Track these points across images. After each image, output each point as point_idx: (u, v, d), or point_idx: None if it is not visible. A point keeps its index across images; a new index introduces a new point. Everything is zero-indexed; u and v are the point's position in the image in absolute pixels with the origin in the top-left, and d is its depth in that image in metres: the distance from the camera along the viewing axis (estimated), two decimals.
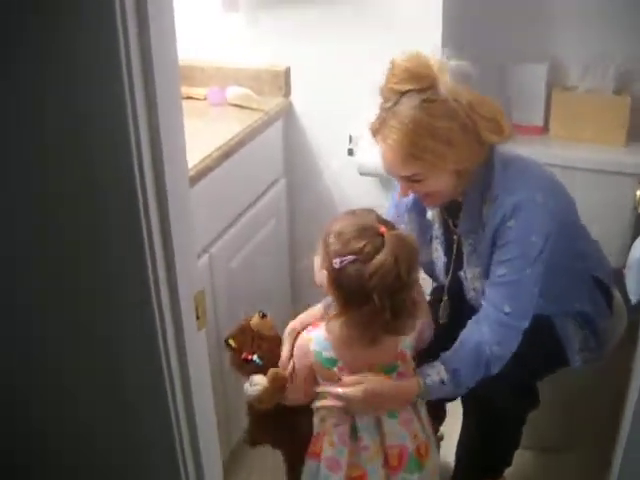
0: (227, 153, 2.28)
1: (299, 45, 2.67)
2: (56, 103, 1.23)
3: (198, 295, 1.44)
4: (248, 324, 2.07)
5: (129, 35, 1.17)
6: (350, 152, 2.73)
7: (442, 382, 1.94)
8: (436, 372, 1.94)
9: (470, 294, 2.17)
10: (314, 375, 1.97)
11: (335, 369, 1.92)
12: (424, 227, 2.21)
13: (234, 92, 2.65)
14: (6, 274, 1.42)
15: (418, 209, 2.19)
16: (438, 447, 2.53)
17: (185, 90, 2.54)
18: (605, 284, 2.24)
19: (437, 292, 2.33)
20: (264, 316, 2.08)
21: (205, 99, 2.69)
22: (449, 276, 2.21)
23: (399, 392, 1.96)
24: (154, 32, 1.20)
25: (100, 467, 1.62)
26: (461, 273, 2.16)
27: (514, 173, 1.99)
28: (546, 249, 1.95)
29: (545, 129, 2.82)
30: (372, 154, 2.62)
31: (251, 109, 2.60)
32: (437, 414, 2.44)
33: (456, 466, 2.33)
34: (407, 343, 1.95)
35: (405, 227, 2.17)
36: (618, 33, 2.68)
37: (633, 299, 2.04)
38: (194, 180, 2.00)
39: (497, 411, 2.09)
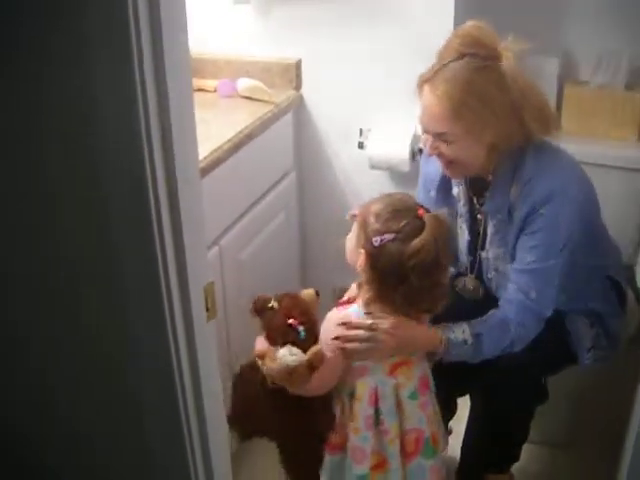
0: (237, 145, 2.28)
1: (310, 38, 2.67)
2: (65, 92, 1.22)
3: (208, 286, 1.44)
4: (298, 295, 2.04)
5: (140, 27, 1.16)
6: (360, 145, 2.72)
7: (465, 342, 1.97)
8: (461, 331, 1.98)
9: (491, 274, 2.17)
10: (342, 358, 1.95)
11: None
12: (450, 205, 2.20)
13: (245, 84, 2.65)
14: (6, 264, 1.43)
15: (445, 187, 2.19)
16: (446, 441, 2.55)
17: (195, 82, 2.54)
18: (620, 284, 2.24)
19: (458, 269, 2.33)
20: (318, 295, 2.07)
21: (215, 91, 2.68)
22: (471, 255, 2.22)
23: (422, 335, 1.99)
24: (165, 24, 1.20)
25: (105, 466, 1.62)
26: (483, 253, 2.16)
27: (548, 159, 1.99)
28: (570, 242, 1.96)
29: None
30: (383, 148, 2.63)
31: (262, 101, 2.60)
32: (449, 407, 2.45)
33: (462, 460, 2.33)
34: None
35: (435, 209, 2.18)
36: (631, 28, 2.67)
37: None
38: (204, 172, 2.00)
39: (506, 405, 2.09)
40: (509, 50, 1.90)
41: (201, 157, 1.93)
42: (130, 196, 1.27)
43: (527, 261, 1.98)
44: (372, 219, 1.87)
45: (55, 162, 1.29)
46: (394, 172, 2.71)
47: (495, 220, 2.08)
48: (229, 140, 2.24)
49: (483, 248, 2.16)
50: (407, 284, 1.81)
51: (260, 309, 2.01)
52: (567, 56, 2.81)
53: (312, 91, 2.76)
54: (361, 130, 2.71)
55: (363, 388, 1.95)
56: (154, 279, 1.32)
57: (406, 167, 2.62)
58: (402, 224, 1.82)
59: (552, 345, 2.10)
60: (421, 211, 1.85)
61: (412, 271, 1.79)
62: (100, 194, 1.29)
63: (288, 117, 2.71)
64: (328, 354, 1.91)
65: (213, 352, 1.53)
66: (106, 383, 1.49)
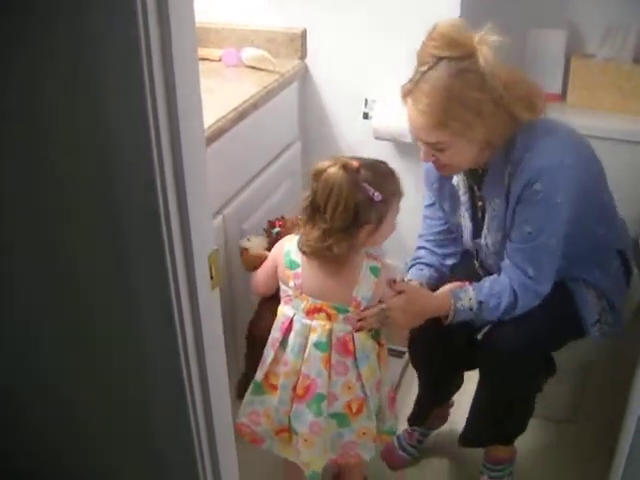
0: (242, 115, 2.27)
1: (316, 8, 2.65)
2: (69, 56, 1.22)
3: (212, 254, 1.44)
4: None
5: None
6: (365, 116, 2.71)
7: (470, 309, 2.06)
8: (468, 298, 2.07)
9: (490, 260, 2.18)
10: (276, 272, 2.07)
11: (292, 272, 2.00)
12: (455, 193, 2.21)
13: (250, 53, 2.63)
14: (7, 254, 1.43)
15: (446, 177, 2.19)
16: (447, 414, 2.56)
17: (200, 51, 2.51)
18: (627, 260, 2.24)
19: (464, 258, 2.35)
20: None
21: (220, 60, 2.67)
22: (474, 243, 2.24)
23: (433, 302, 2.12)
24: None
25: (113, 435, 1.64)
26: (481, 240, 2.16)
27: (539, 134, 1.98)
28: (571, 211, 1.96)
29: (563, 97, 2.80)
30: (387, 118, 2.62)
31: (267, 71, 2.58)
32: (454, 380, 2.47)
33: (467, 429, 2.34)
34: (363, 295, 1.98)
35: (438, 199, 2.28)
36: (638, 1, 2.65)
37: None
38: (209, 141, 1.99)
39: (514, 378, 2.09)
40: (485, 43, 1.88)
41: (206, 126, 1.92)
42: (134, 164, 1.27)
43: (524, 238, 1.99)
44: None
45: (59, 132, 1.29)
46: (398, 143, 2.70)
47: (493, 204, 2.07)
48: (234, 109, 2.23)
49: (480, 235, 2.17)
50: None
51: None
52: (574, 29, 2.79)
53: (317, 61, 2.75)
54: (366, 100, 2.70)
55: (280, 314, 2.05)
56: (158, 247, 1.32)
57: (410, 138, 2.60)
58: None
59: (560, 318, 2.10)
60: None
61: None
62: (105, 161, 1.28)
63: (293, 87, 2.70)
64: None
65: (217, 320, 1.53)
66: (111, 351, 1.50)
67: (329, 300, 1.97)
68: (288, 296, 2.02)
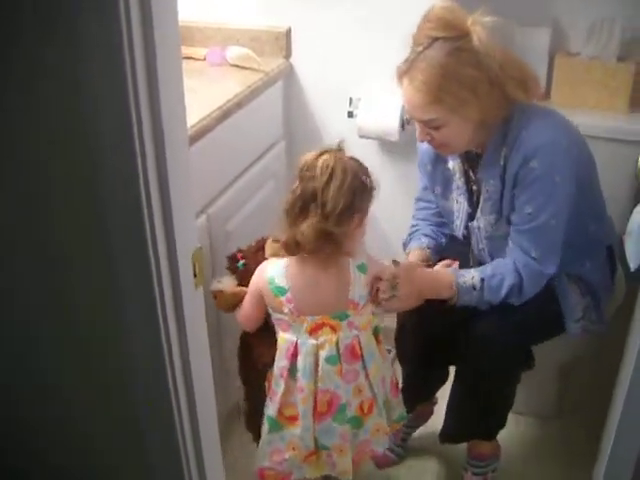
0: (226, 114, 2.27)
1: (301, 6, 2.66)
2: (55, 56, 1.21)
3: (196, 252, 1.43)
4: (266, 239, 2.16)
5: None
6: (350, 115, 2.71)
7: (473, 288, 2.05)
8: (470, 277, 2.07)
9: (482, 243, 2.19)
10: (263, 303, 2.03)
11: (283, 298, 1.95)
12: (448, 177, 2.23)
13: (235, 52, 2.63)
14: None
15: (442, 159, 2.21)
16: (431, 411, 2.56)
17: (184, 50, 2.52)
18: (614, 256, 2.26)
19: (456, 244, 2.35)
20: (276, 241, 2.12)
21: (204, 59, 2.66)
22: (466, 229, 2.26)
23: (436, 278, 2.12)
24: None
25: (113, 434, 1.63)
26: (474, 223, 2.18)
27: (535, 116, 2.01)
28: (570, 196, 1.99)
29: (547, 95, 2.80)
30: (372, 117, 2.62)
31: (251, 70, 2.58)
32: (439, 376, 2.47)
33: (446, 424, 2.35)
34: (359, 294, 1.97)
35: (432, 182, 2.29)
36: None
37: (632, 266, 2.04)
38: (192, 140, 1.99)
39: (491, 369, 2.11)
40: (478, 24, 1.91)
41: (189, 125, 1.92)
42: (118, 163, 1.26)
43: (525, 219, 2.01)
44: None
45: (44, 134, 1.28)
46: (383, 141, 2.70)
47: (487, 186, 2.09)
48: (218, 108, 2.23)
49: (473, 219, 2.17)
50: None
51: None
52: (558, 27, 2.79)
53: (302, 60, 2.75)
54: (351, 99, 2.70)
55: (282, 341, 2.00)
56: (142, 244, 1.31)
57: (395, 137, 2.61)
58: None
59: (542, 313, 2.11)
60: None
61: None
62: (88, 160, 1.28)
63: (278, 86, 2.70)
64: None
65: (201, 319, 1.53)
66: (93, 358, 1.50)
67: (328, 311, 1.95)
68: (285, 323, 1.98)
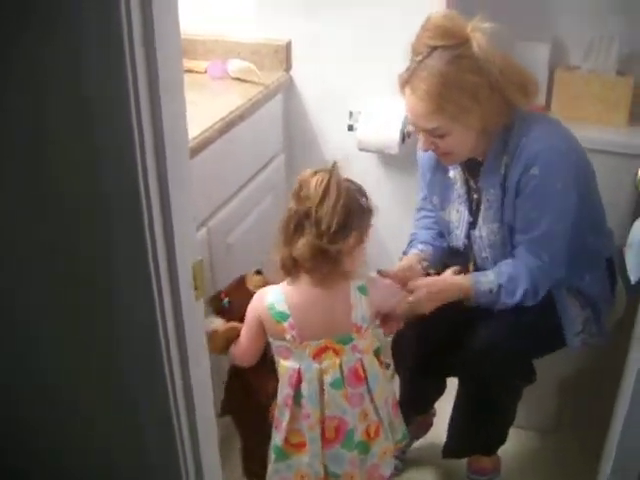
0: (227, 127, 2.27)
1: (301, 20, 2.66)
2: (57, 69, 1.22)
3: (196, 265, 1.43)
4: (244, 276, 2.17)
5: (131, 6, 1.15)
6: (350, 128, 2.71)
7: (490, 291, 2.06)
8: (487, 281, 2.08)
9: (485, 252, 2.19)
10: (263, 332, 2.00)
11: (286, 324, 1.93)
12: (448, 186, 2.23)
13: (236, 65, 2.63)
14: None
15: (441, 168, 2.22)
16: (430, 423, 2.55)
17: (186, 63, 2.52)
18: (614, 269, 2.27)
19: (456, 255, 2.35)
20: (258, 273, 2.17)
21: (205, 72, 2.67)
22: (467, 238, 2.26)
23: (453, 284, 2.12)
24: (156, 4, 1.19)
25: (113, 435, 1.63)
26: (475, 232, 2.18)
27: (535, 123, 2.03)
28: (574, 194, 2.01)
29: (547, 108, 2.81)
30: (372, 130, 2.63)
31: (252, 83, 2.58)
32: (437, 387, 2.46)
33: (449, 439, 2.34)
34: (362, 316, 1.95)
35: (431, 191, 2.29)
36: (622, 13, 2.67)
37: (633, 278, 2.04)
38: (193, 153, 1.98)
39: (492, 384, 2.11)
40: (478, 30, 1.93)
41: (190, 137, 1.92)
42: (119, 174, 1.26)
43: (531, 226, 2.02)
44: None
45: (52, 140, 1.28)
46: (383, 155, 2.70)
47: (488, 195, 2.10)
48: (220, 120, 2.24)
49: (475, 228, 2.17)
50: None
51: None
52: (558, 42, 2.81)
53: (302, 73, 2.75)
54: (351, 112, 2.70)
55: (284, 369, 1.97)
56: (142, 256, 1.31)
57: (395, 150, 2.61)
58: None
59: (542, 326, 2.12)
60: None
61: None
62: (90, 173, 1.28)
63: (278, 99, 2.70)
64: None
65: (201, 331, 1.53)
66: (94, 360, 1.49)
67: (331, 335, 1.94)
68: (286, 350, 1.96)
